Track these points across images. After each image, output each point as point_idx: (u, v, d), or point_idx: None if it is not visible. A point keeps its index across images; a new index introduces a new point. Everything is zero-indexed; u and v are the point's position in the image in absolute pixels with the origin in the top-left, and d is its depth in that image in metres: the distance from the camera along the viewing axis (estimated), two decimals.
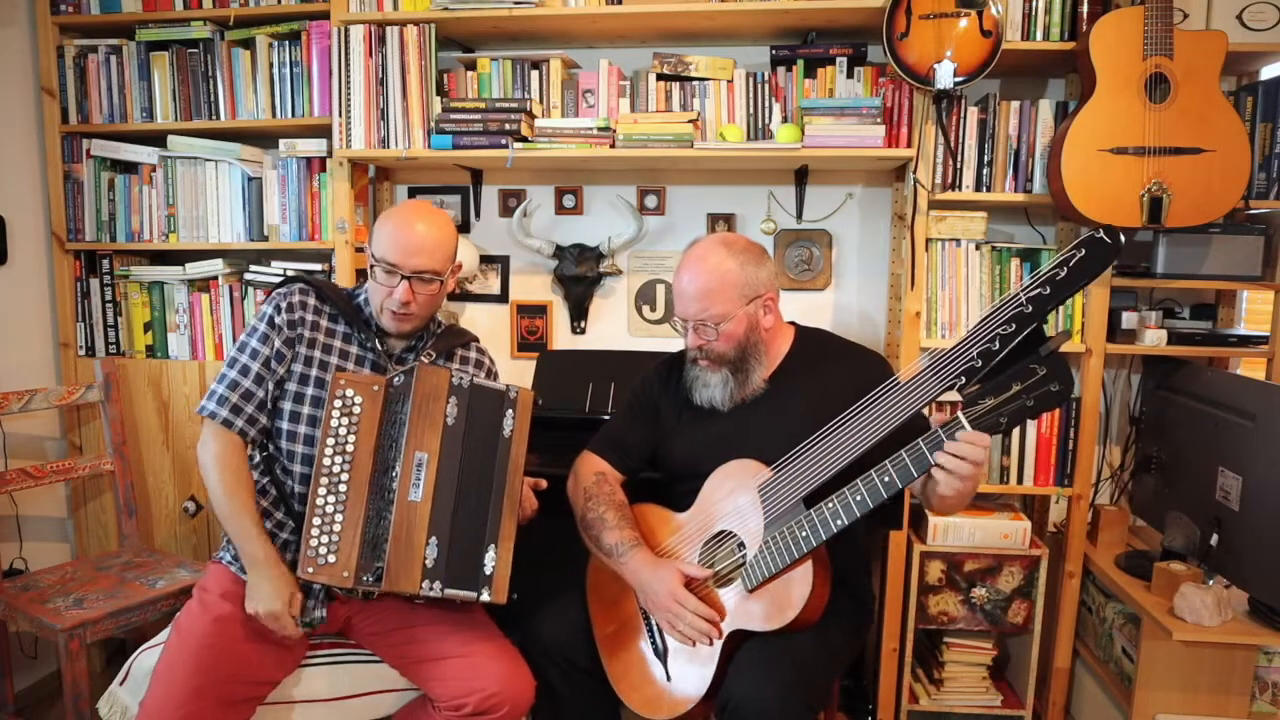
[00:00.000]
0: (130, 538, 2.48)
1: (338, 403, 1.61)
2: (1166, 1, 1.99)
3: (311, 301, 1.75)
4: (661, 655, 1.68)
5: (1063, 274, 1.42)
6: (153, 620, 2.14)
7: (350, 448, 1.60)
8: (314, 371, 1.72)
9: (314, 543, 1.56)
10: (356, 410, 1.61)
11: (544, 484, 1.78)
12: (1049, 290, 1.42)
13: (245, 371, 1.69)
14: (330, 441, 1.60)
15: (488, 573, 1.61)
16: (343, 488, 1.59)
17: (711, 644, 1.61)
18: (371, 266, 1.70)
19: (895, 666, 2.39)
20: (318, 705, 1.68)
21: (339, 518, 1.58)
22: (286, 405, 1.71)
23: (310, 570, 1.55)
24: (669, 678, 1.66)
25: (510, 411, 1.68)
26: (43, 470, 2.33)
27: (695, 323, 1.70)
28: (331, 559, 1.56)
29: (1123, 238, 1.43)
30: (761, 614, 1.57)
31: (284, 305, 1.72)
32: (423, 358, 1.75)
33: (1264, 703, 2.01)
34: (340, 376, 1.63)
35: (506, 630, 1.77)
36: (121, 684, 1.71)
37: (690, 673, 1.63)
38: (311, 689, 1.68)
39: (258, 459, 1.74)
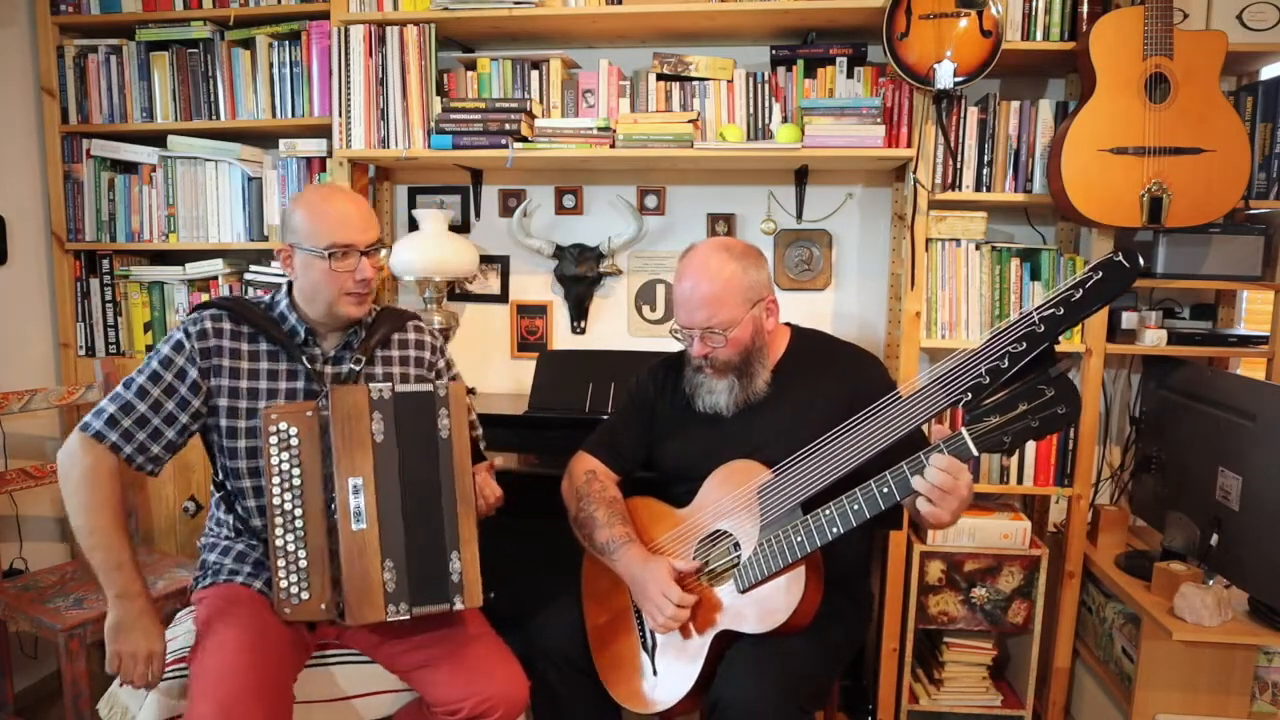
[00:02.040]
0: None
1: (273, 439, 1.53)
2: (1166, 1, 1.99)
3: (226, 326, 1.64)
4: (649, 650, 1.68)
5: (1078, 295, 1.40)
6: None
7: (297, 481, 1.54)
8: (243, 403, 1.62)
9: (284, 584, 1.52)
10: (294, 442, 1.54)
11: (498, 462, 1.73)
12: (1063, 311, 1.40)
13: (142, 394, 1.57)
14: (276, 479, 1.53)
15: (455, 580, 1.57)
16: (299, 523, 1.53)
17: (694, 636, 1.61)
18: (313, 261, 1.59)
19: (895, 666, 2.39)
20: (317, 705, 1.67)
21: (302, 554, 1.53)
22: (224, 442, 1.63)
23: (288, 611, 1.53)
24: (655, 672, 1.66)
25: (443, 410, 1.60)
26: (43, 470, 2.33)
27: (702, 331, 1.67)
28: (305, 595, 1.53)
29: (1141, 261, 1.40)
30: (752, 616, 1.57)
31: (194, 331, 1.61)
32: (351, 364, 1.68)
33: (1264, 703, 2.01)
34: (270, 411, 1.53)
35: (505, 632, 1.77)
36: (122, 685, 1.70)
37: (677, 668, 1.63)
38: (311, 689, 1.67)
39: (217, 497, 1.70)
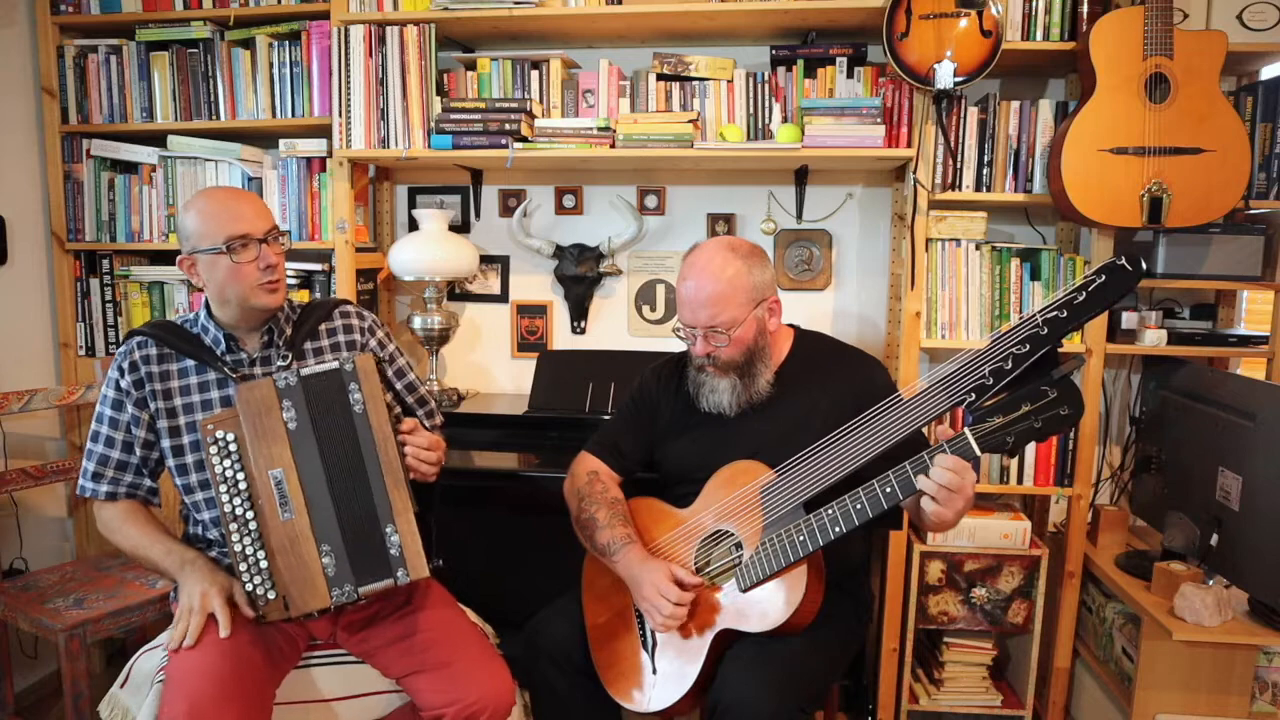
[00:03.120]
0: None
1: (213, 448, 1.55)
2: (1166, 1, 1.99)
3: (153, 352, 1.67)
4: (650, 649, 1.68)
5: (1081, 298, 1.41)
6: (153, 620, 2.14)
7: (243, 485, 1.55)
8: (181, 420, 1.66)
9: (249, 586, 1.53)
10: (233, 448, 1.55)
11: (413, 422, 1.68)
12: (1066, 314, 1.41)
13: (110, 443, 1.66)
14: (223, 487, 1.54)
15: (395, 554, 1.55)
16: (253, 524, 1.54)
17: (694, 635, 1.61)
18: (215, 260, 1.60)
19: (895, 666, 2.39)
20: (313, 706, 1.67)
21: (260, 554, 1.54)
22: (172, 462, 1.66)
23: (260, 617, 1.54)
24: (655, 671, 1.66)
25: (354, 385, 1.58)
26: (43, 470, 2.33)
27: (705, 330, 1.67)
28: (271, 595, 1.53)
29: (1144, 265, 1.41)
30: (753, 615, 1.57)
31: (125, 366, 1.66)
32: (280, 361, 1.70)
33: (1264, 703, 2.01)
34: (206, 422, 1.56)
35: (505, 632, 1.77)
36: (122, 686, 1.70)
37: (676, 668, 1.63)
38: (305, 690, 1.68)
39: (183, 511, 1.73)
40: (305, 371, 1.58)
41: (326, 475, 1.56)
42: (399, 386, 1.88)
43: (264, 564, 1.54)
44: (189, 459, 1.66)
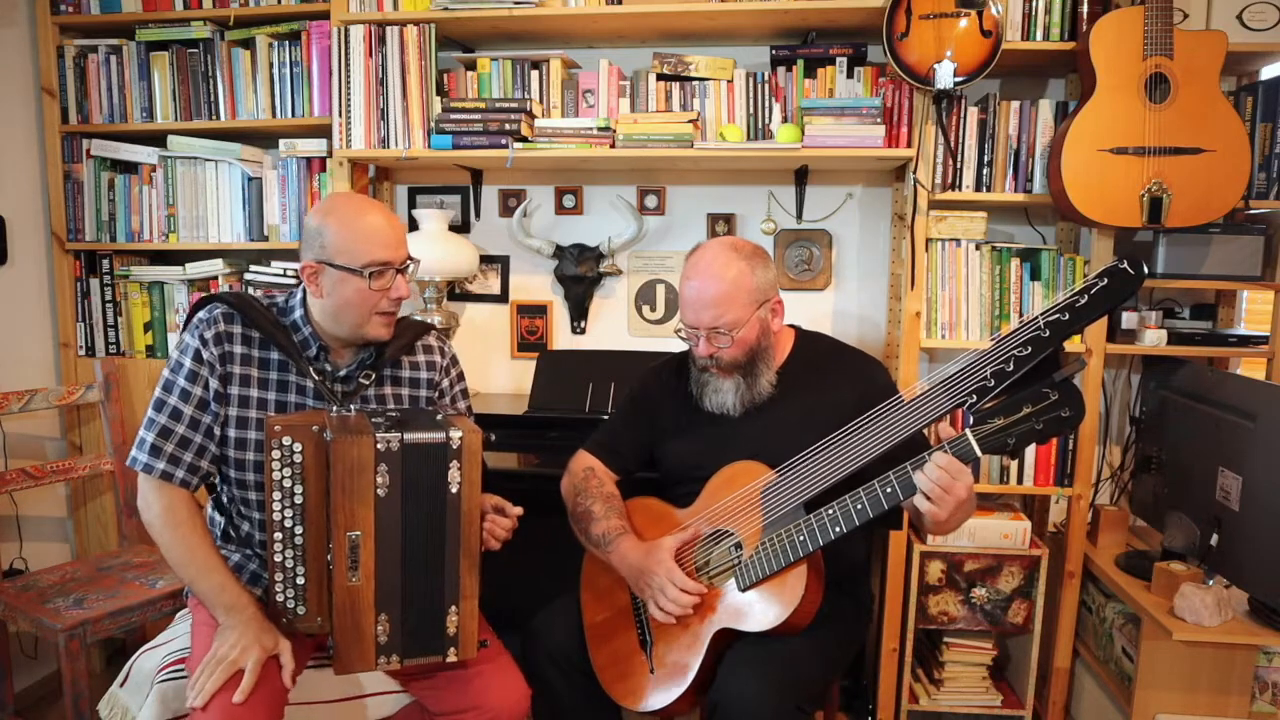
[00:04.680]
0: (130, 538, 2.48)
1: (276, 453, 1.45)
2: (1166, 1, 2.00)
3: (238, 330, 1.57)
4: (648, 648, 1.68)
5: (1083, 301, 1.42)
6: (153, 620, 2.15)
7: (299, 499, 1.48)
8: (253, 413, 1.58)
9: (280, 597, 1.49)
10: (298, 459, 1.46)
11: (515, 511, 1.65)
12: (1068, 317, 1.42)
13: (177, 415, 1.53)
14: (276, 495, 1.47)
15: (451, 634, 1.52)
16: (299, 540, 1.48)
17: (692, 634, 1.61)
18: (347, 279, 1.53)
19: (895, 666, 2.39)
20: (319, 707, 1.68)
21: (300, 570, 1.49)
22: (231, 452, 1.58)
23: (284, 622, 1.50)
24: (653, 670, 1.66)
25: (455, 463, 1.49)
26: (43, 470, 2.33)
27: (708, 331, 1.66)
28: (301, 610, 1.50)
29: (1146, 268, 1.43)
30: (753, 614, 1.57)
31: (209, 337, 1.55)
32: (361, 379, 1.64)
33: (1264, 703, 2.01)
34: (275, 422, 1.46)
35: (504, 632, 1.77)
36: (122, 686, 1.70)
37: (675, 667, 1.63)
38: (313, 690, 1.68)
39: (218, 495, 1.66)
40: (409, 438, 1.47)
41: (404, 548, 1.48)
42: None
43: (301, 581, 1.50)
44: (250, 455, 1.58)
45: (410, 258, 1.61)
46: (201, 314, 1.58)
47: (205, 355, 1.54)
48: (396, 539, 1.48)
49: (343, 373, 1.64)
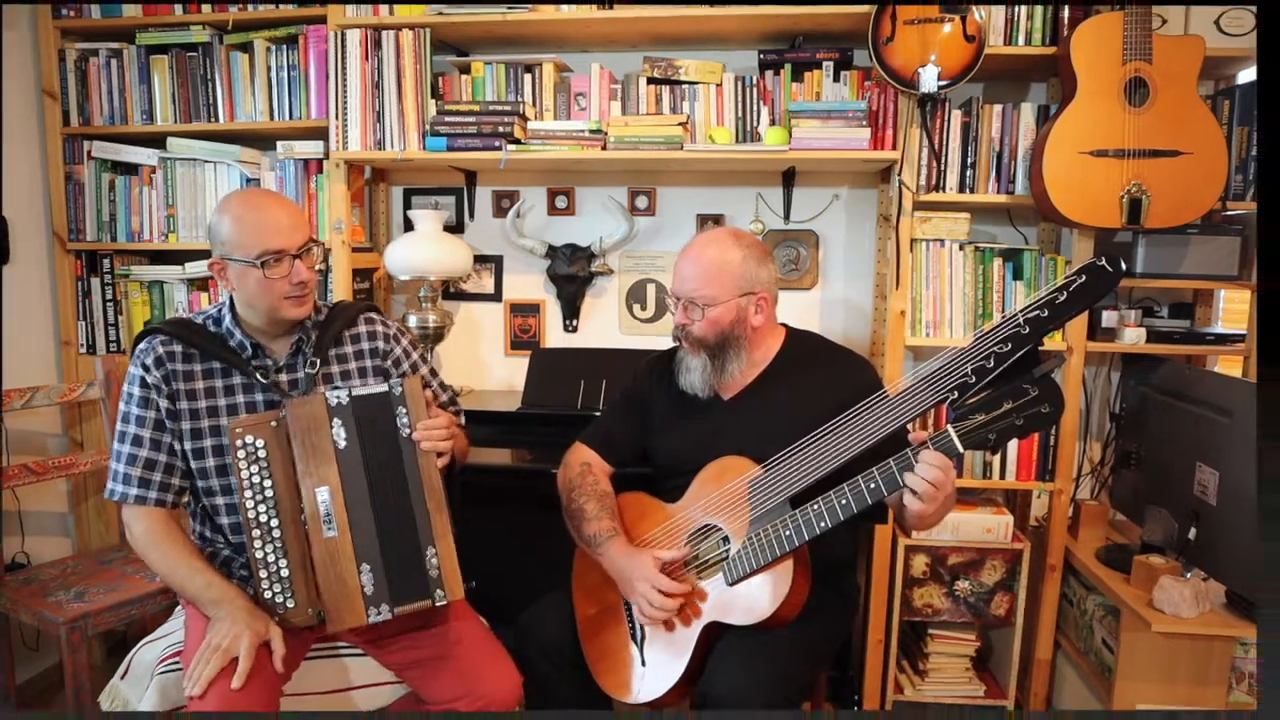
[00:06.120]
0: None
1: (240, 453, 1.54)
2: (1146, 7, 2.03)
3: (178, 349, 1.64)
4: (638, 641, 1.70)
5: (1062, 298, 1.44)
6: (153, 613, 2.17)
7: (270, 492, 1.55)
8: (204, 423, 1.63)
9: (268, 594, 1.54)
10: (262, 454, 1.54)
11: (446, 421, 1.66)
12: (1048, 313, 1.44)
13: (138, 442, 1.61)
14: (248, 493, 1.53)
15: (434, 575, 1.57)
16: (276, 533, 1.54)
17: (682, 628, 1.64)
18: (247, 271, 1.58)
19: (880, 657, 2.43)
20: (314, 697, 1.70)
21: (283, 563, 1.54)
22: (192, 464, 1.63)
23: (276, 619, 1.54)
24: (644, 663, 1.68)
25: (401, 409, 1.60)
26: (44, 466, 2.35)
27: (685, 300, 1.73)
28: (290, 604, 1.55)
29: (1124, 265, 1.44)
30: (740, 608, 1.59)
31: (150, 363, 1.61)
32: (306, 369, 1.67)
33: (1241, 692, 2.04)
34: (235, 425, 1.54)
35: (496, 625, 1.80)
36: (122, 677, 1.73)
37: (665, 660, 1.66)
38: (310, 681, 1.70)
39: (194, 507, 1.69)
40: (356, 392, 1.59)
41: (371, 495, 1.57)
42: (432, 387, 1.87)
43: (285, 573, 1.54)
44: (210, 462, 1.63)
45: (314, 240, 1.66)
46: (141, 345, 1.66)
47: (149, 379, 1.62)
48: (363, 487, 1.57)
49: (283, 362, 1.69)
